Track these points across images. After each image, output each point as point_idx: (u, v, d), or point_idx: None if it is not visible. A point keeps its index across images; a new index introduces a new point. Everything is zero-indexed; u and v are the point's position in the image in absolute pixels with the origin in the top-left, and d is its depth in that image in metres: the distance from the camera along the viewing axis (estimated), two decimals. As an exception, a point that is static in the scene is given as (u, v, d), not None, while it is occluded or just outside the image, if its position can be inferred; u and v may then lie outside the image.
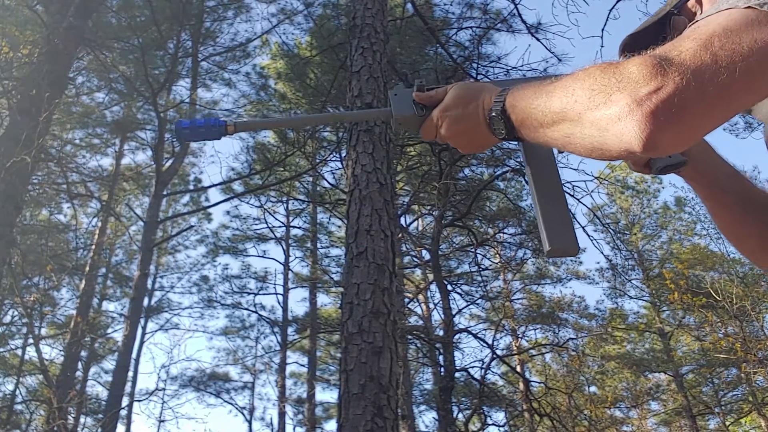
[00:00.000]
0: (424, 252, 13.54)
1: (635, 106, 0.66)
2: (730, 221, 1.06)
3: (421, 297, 14.41)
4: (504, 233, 12.42)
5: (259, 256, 17.52)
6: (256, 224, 17.35)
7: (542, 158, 1.03)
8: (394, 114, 1.05)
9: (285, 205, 17.35)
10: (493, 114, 0.92)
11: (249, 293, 17.51)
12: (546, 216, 0.95)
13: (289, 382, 17.88)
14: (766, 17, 0.69)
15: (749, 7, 0.70)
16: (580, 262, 16.50)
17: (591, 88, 0.73)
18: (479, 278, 13.19)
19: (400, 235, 10.86)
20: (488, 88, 0.98)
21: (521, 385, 13.07)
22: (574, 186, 9.91)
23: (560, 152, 0.98)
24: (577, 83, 0.76)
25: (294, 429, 22.84)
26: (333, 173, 13.70)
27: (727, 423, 16.92)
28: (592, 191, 10.44)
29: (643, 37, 1.08)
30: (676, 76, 0.65)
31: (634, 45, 1.09)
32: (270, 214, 16.95)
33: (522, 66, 8.93)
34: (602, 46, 7.63)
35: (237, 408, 17.61)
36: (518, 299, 16.42)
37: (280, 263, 17.60)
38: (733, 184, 1.04)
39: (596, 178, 10.10)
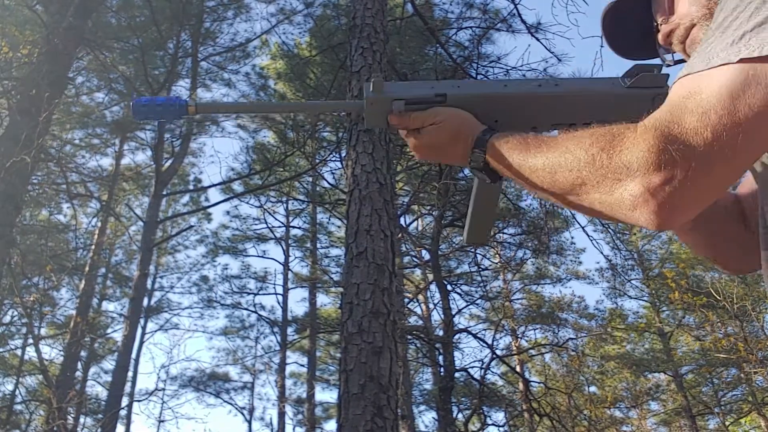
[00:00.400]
0: (423, 252, 13.55)
1: (649, 197, 0.69)
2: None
3: (420, 297, 14.41)
4: (504, 233, 12.42)
5: (258, 256, 17.53)
6: (255, 224, 17.37)
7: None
8: (365, 108, 1.03)
9: (285, 205, 17.36)
10: (473, 165, 0.95)
11: (249, 293, 17.52)
12: (475, 213, 1.06)
13: (288, 382, 17.89)
14: (761, 70, 0.66)
15: (741, 60, 0.67)
16: (580, 262, 16.51)
17: (598, 170, 0.73)
18: (479, 278, 13.20)
19: (399, 235, 10.86)
20: (467, 129, 0.97)
21: (521, 385, 13.07)
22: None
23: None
24: (578, 157, 0.76)
25: (294, 429, 22.86)
26: (333, 173, 13.71)
27: (727, 423, 16.92)
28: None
29: (623, 11, 1.06)
30: (685, 164, 0.67)
31: (614, 20, 1.08)
32: (270, 214, 16.96)
33: (522, 66, 8.93)
34: (602, 46, 7.62)
35: (237, 408, 17.62)
36: (518, 299, 16.43)
37: (280, 263, 17.61)
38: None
39: None
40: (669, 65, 1.03)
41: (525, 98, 1.00)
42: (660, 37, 0.99)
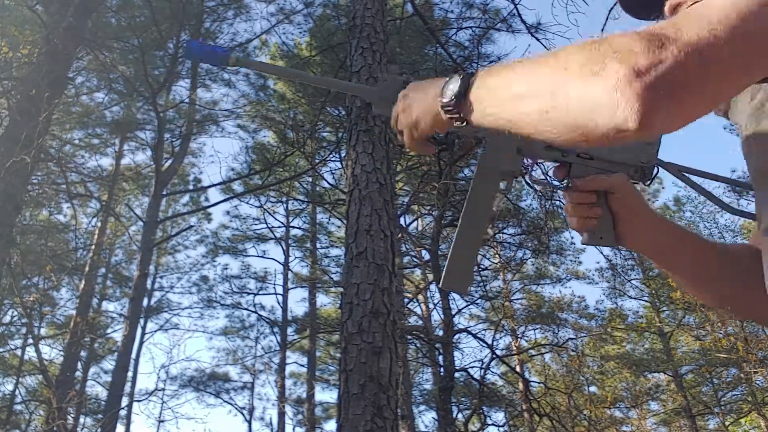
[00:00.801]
0: (423, 252, 13.54)
1: (634, 77, 0.61)
2: (686, 275, 1.07)
3: (420, 297, 14.41)
4: (503, 233, 12.42)
5: (258, 256, 17.54)
6: (255, 224, 17.37)
7: (484, 202, 1.07)
8: (377, 96, 1.08)
9: (285, 205, 17.36)
10: (449, 84, 0.85)
11: (249, 293, 17.53)
12: (455, 257, 1.05)
13: (288, 382, 17.89)
14: None
15: None
16: (580, 262, 16.51)
17: (580, 58, 0.66)
18: (479, 278, 13.18)
19: (399, 235, 10.86)
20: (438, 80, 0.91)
21: (521, 385, 13.07)
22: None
23: (523, 138, 0.99)
24: (560, 55, 0.69)
25: (294, 429, 22.85)
26: (332, 173, 13.71)
27: (727, 423, 16.93)
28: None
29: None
30: (676, 51, 0.61)
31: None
32: (270, 214, 16.96)
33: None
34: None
35: (237, 408, 17.62)
36: (518, 299, 16.43)
37: (280, 263, 17.62)
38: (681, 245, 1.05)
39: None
40: None
41: None
42: (666, 7, 0.97)
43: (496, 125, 0.79)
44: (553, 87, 0.68)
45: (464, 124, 0.85)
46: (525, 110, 0.72)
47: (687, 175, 1.09)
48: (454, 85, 0.83)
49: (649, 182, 1.03)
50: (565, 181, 1.05)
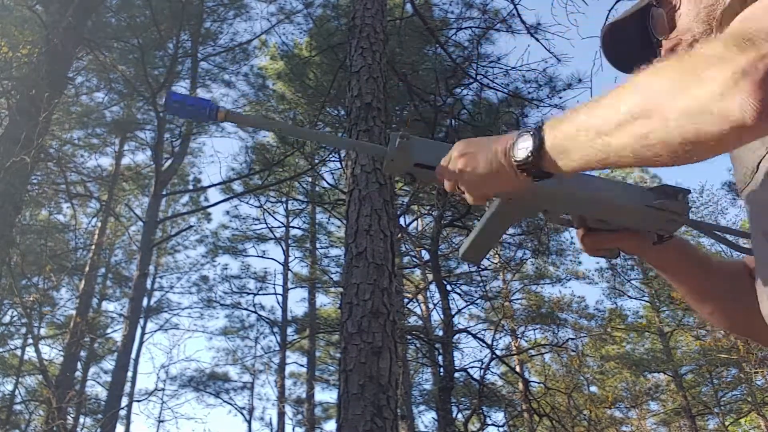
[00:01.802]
0: (423, 252, 13.55)
1: (740, 76, 0.60)
2: (688, 289, 1.08)
3: (420, 297, 14.42)
4: (503, 233, 12.41)
5: (258, 256, 17.53)
6: (255, 224, 17.37)
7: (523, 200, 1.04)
8: (387, 156, 1.02)
9: (284, 205, 17.36)
10: (520, 142, 0.82)
11: (248, 293, 17.52)
12: (482, 232, 1.06)
13: (288, 382, 17.90)
14: None
15: None
16: (580, 262, 16.51)
17: (671, 74, 0.65)
18: (478, 278, 13.20)
19: (399, 235, 10.86)
20: (503, 136, 0.89)
21: (521, 386, 13.07)
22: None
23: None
24: (647, 77, 0.68)
25: (293, 429, 22.85)
26: (332, 173, 13.71)
27: (727, 423, 16.93)
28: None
29: (622, 28, 1.07)
30: None
31: (614, 36, 1.09)
32: (269, 214, 16.97)
33: (521, 66, 8.94)
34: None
35: (236, 408, 17.63)
36: (517, 299, 16.43)
37: (280, 263, 17.62)
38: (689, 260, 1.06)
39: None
40: None
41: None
42: (663, 52, 0.99)
43: (586, 168, 0.78)
44: (646, 110, 0.67)
45: (548, 176, 0.83)
46: (619, 143, 0.71)
47: (718, 233, 1.09)
48: (526, 143, 0.82)
49: (665, 240, 1.01)
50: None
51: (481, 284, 13.37)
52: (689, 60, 0.64)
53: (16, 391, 14.32)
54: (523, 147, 0.82)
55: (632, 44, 1.07)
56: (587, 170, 0.80)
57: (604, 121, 0.72)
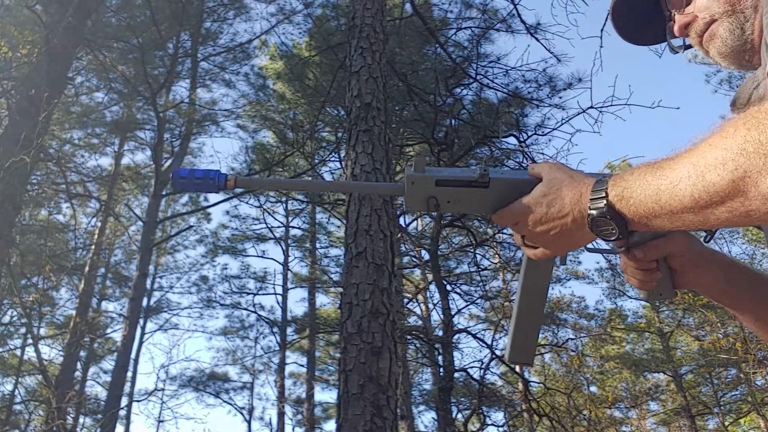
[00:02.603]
0: (423, 252, 13.54)
1: None
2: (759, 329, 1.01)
3: (420, 297, 14.41)
4: (503, 233, 12.41)
5: (258, 256, 17.53)
6: (255, 224, 17.37)
7: (540, 270, 1.00)
8: (406, 189, 0.95)
9: (284, 205, 17.36)
10: (595, 214, 0.77)
11: (248, 293, 17.52)
12: (518, 328, 0.99)
13: (288, 382, 17.90)
14: None
15: None
16: (580, 262, 16.52)
17: (757, 148, 0.59)
18: (478, 278, 13.18)
19: (399, 235, 10.86)
20: (572, 179, 0.84)
21: (520, 386, 13.06)
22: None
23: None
24: (728, 147, 0.62)
25: (293, 429, 22.85)
26: (332, 173, 13.70)
27: (726, 423, 16.93)
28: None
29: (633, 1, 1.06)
30: None
31: (623, 5, 1.07)
32: (269, 214, 16.96)
33: (521, 66, 8.94)
34: (601, 47, 7.63)
35: (236, 408, 17.63)
36: (517, 299, 16.41)
37: (280, 263, 17.62)
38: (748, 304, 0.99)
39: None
40: (677, 52, 1.04)
41: None
42: (676, 28, 0.97)
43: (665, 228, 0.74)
44: (737, 187, 0.61)
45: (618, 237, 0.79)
46: (708, 219, 0.67)
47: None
48: (608, 227, 0.78)
49: (710, 240, 0.96)
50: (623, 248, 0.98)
51: (481, 284, 13.36)
52: None
53: (16, 391, 14.32)
54: (606, 229, 0.78)
55: (642, 15, 1.05)
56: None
57: (686, 200, 0.67)
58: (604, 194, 0.76)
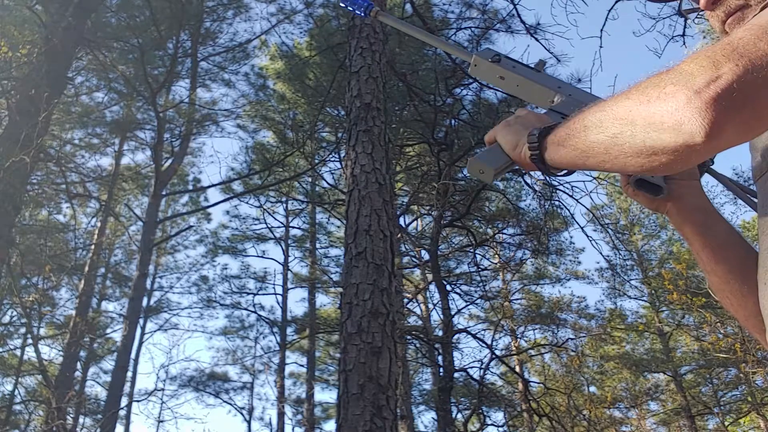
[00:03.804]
0: (423, 252, 13.55)
1: (693, 95, 0.64)
2: (732, 300, 1.02)
3: (420, 297, 14.41)
4: (503, 233, 12.42)
5: (258, 256, 17.53)
6: (255, 224, 17.36)
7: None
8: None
9: (284, 205, 17.36)
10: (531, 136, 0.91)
11: (248, 293, 17.51)
12: (494, 147, 1.04)
13: (288, 382, 17.89)
14: None
15: None
16: (579, 262, 16.52)
17: (642, 88, 0.70)
18: (478, 278, 13.19)
19: (399, 235, 10.86)
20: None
21: (520, 386, 13.07)
22: (573, 186, 9.91)
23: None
24: (626, 91, 0.73)
25: (293, 429, 22.85)
26: (332, 173, 13.71)
27: (726, 423, 16.93)
28: (591, 191, 10.44)
29: None
30: (733, 65, 0.64)
31: None
32: (269, 214, 16.96)
33: (521, 66, 8.91)
34: (601, 47, 7.64)
35: (236, 408, 17.62)
36: (517, 299, 16.43)
37: (280, 263, 17.61)
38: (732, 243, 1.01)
39: (595, 178, 10.08)
40: (683, 16, 1.04)
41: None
42: (702, 1, 0.95)
43: (569, 159, 0.83)
44: (620, 115, 0.72)
45: (542, 162, 0.90)
46: (595, 139, 0.76)
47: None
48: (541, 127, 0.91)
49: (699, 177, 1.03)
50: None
51: (480, 284, 13.37)
52: (667, 74, 0.68)
53: (16, 391, 14.31)
54: (538, 129, 0.90)
55: None
56: (571, 167, 0.87)
57: (591, 118, 0.77)
58: (539, 135, 0.89)
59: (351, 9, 1.31)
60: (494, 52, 1.17)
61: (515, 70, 1.15)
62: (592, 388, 18.11)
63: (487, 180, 1.01)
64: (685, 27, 7.16)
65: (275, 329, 17.23)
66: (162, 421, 15.73)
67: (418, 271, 15.58)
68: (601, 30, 7.35)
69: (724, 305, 1.06)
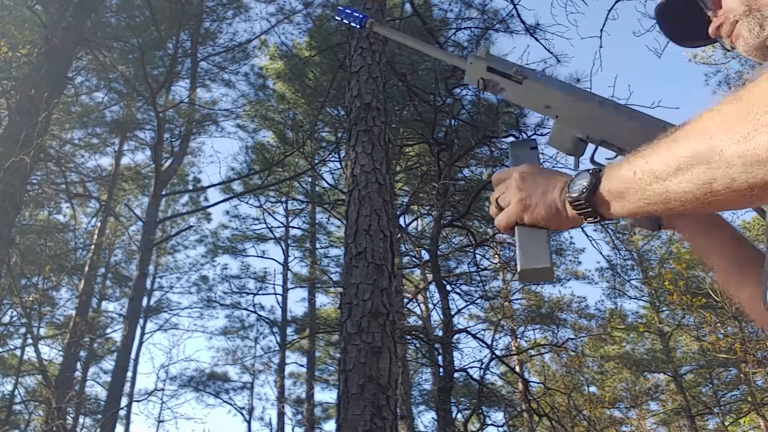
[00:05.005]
0: (423, 252, 13.54)
1: None
2: (727, 274, 1.04)
3: (420, 297, 14.41)
4: (503, 233, 12.40)
5: (258, 256, 17.52)
6: (255, 224, 17.36)
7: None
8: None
9: (284, 205, 17.36)
10: (577, 180, 0.82)
11: (248, 293, 17.51)
12: (523, 236, 0.92)
13: (288, 382, 17.88)
14: None
15: None
16: (579, 263, 16.51)
17: (725, 124, 0.63)
18: (478, 278, 13.18)
19: (399, 235, 10.86)
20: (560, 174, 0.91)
21: (520, 386, 13.07)
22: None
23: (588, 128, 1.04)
24: (703, 120, 0.66)
25: (293, 429, 22.85)
26: (332, 173, 13.71)
27: (726, 423, 16.94)
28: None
29: (675, 3, 1.09)
30: None
31: (669, 8, 1.11)
32: (269, 214, 16.96)
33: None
34: (601, 47, 7.64)
35: (236, 408, 17.61)
36: (517, 299, 16.42)
37: (280, 263, 17.61)
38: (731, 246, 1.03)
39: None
40: (728, 50, 1.08)
41: (589, 109, 1.07)
42: (711, 29, 1.01)
43: (638, 210, 0.77)
44: (707, 157, 0.64)
45: (596, 218, 0.83)
46: (678, 189, 0.68)
47: None
48: (582, 181, 0.82)
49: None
50: None
51: (480, 284, 13.37)
52: (747, 99, 0.62)
53: (16, 391, 14.32)
54: (579, 184, 0.82)
55: (689, 17, 1.09)
56: (645, 215, 0.79)
57: (661, 166, 0.70)
58: (596, 173, 0.81)
59: (347, 21, 1.33)
60: (482, 78, 1.14)
61: (502, 92, 1.14)
62: (592, 388, 18.11)
63: (549, 276, 0.92)
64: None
65: (275, 329, 17.23)
66: (162, 421, 15.73)
67: (418, 271, 15.58)
68: (601, 30, 7.37)
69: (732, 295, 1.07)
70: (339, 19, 1.35)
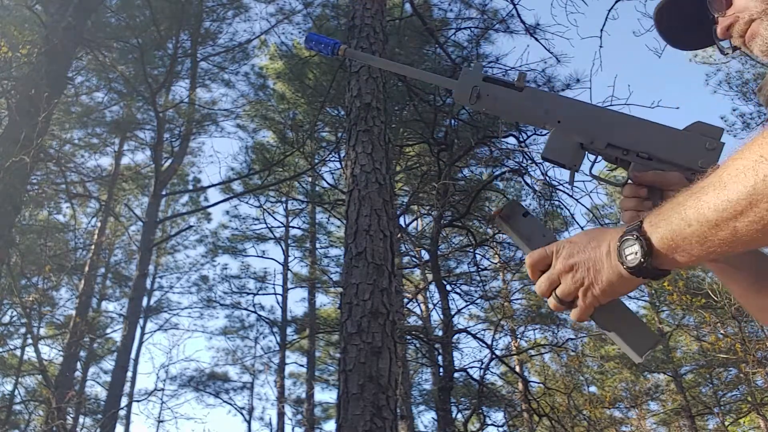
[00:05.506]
0: (423, 252, 13.54)
1: None
2: (746, 293, 1.02)
3: (420, 297, 14.41)
4: (503, 234, 12.39)
5: (258, 256, 17.53)
6: (255, 224, 17.36)
7: None
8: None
9: (284, 205, 17.36)
10: (625, 248, 0.78)
11: (248, 293, 17.52)
12: (610, 325, 0.90)
13: (288, 382, 17.89)
14: None
15: None
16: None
17: None
18: (478, 278, 13.18)
19: (399, 235, 10.86)
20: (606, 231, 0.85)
21: (520, 386, 13.07)
22: (573, 186, 9.90)
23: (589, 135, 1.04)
24: (754, 155, 0.62)
25: (293, 429, 22.85)
26: (332, 173, 13.71)
27: (726, 423, 16.94)
28: (591, 191, 10.44)
29: (676, 3, 1.09)
30: None
31: (668, 11, 1.10)
32: (269, 214, 16.96)
33: (521, 66, 8.93)
34: (601, 47, 7.64)
35: (236, 408, 17.62)
36: (517, 299, 16.42)
37: (280, 263, 17.61)
38: (746, 260, 1.00)
39: (595, 178, 10.08)
40: (726, 54, 1.06)
41: (596, 111, 1.07)
42: (719, 30, 1.00)
43: (699, 259, 0.74)
44: (765, 194, 0.62)
45: (665, 273, 0.80)
46: (748, 230, 0.65)
47: None
48: (632, 249, 0.78)
49: None
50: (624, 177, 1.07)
51: (480, 284, 13.36)
52: None
53: (16, 391, 14.32)
54: (632, 253, 0.78)
55: (687, 20, 1.08)
56: (710, 259, 0.75)
57: (718, 212, 0.66)
58: (638, 230, 0.77)
59: (317, 50, 1.31)
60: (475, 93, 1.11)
61: (498, 103, 1.11)
62: (592, 388, 18.11)
63: (660, 340, 0.93)
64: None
65: (275, 329, 17.23)
66: (162, 421, 15.73)
67: (418, 271, 15.58)
68: (601, 30, 7.37)
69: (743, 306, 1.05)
70: (308, 47, 1.32)
